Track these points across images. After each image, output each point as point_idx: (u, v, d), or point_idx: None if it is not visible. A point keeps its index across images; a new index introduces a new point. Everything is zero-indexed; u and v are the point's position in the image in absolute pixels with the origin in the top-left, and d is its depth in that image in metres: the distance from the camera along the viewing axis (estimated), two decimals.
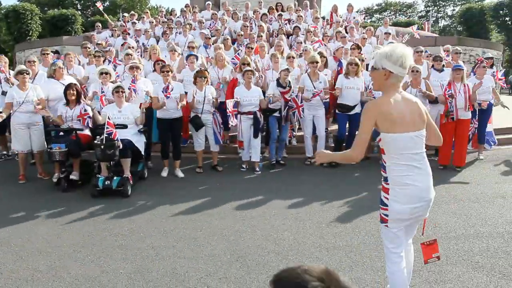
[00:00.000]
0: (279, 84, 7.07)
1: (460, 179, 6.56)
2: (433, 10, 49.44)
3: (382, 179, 2.76)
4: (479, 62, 7.90)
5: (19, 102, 6.29)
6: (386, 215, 2.72)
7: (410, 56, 2.60)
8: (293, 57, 8.00)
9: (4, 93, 6.91)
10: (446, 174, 6.75)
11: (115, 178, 5.78)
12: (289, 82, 7.08)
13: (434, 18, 46.33)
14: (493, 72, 8.63)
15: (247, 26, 11.21)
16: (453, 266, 3.70)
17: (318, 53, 7.83)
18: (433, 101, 7.06)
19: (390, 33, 11.52)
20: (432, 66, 7.80)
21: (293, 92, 7.11)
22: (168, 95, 6.45)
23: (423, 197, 2.66)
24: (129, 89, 6.55)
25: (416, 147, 2.63)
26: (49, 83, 6.82)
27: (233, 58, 8.64)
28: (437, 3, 52.18)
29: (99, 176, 5.84)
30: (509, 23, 40.41)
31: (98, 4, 16.62)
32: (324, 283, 1.07)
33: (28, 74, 6.53)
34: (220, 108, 7.24)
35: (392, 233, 2.77)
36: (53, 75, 6.79)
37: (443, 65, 7.82)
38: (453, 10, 51.34)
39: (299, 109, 7.08)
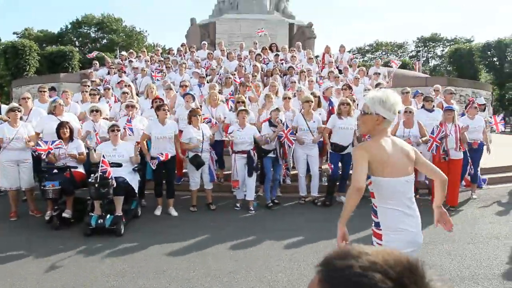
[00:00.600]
0: (271, 124, 7.18)
1: (454, 219, 6.48)
2: (423, 50, 50.95)
3: (373, 224, 2.74)
4: (470, 102, 8.12)
5: (9, 139, 6.31)
6: None
7: (400, 102, 2.70)
8: (289, 98, 8.17)
9: None
10: None
11: (108, 216, 5.73)
12: (281, 120, 7.20)
13: (424, 58, 47.64)
14: (489, 116, 8.81)
15: (242, 66, 11.49)
16: None
17: (311, 93, 8.01)
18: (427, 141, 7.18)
19: (379, 73, 11.84)
20: (423, 106, 7.98)
21: (292, 132, 7.24)
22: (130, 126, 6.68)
23: (416, 242, 2.66)
24: (124, 128, 6.61)
25: (407, 191, 2.65)
26: (47, 119, 6.87)
27: (227, 96, 8.83)
28: (427, 44, 53.87)
29: (92, 214, 5.79)
30: (497, 63, 41.71)
31: (91, 55, 17.06)
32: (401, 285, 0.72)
33: (20, 111, 6.58)
34: (215, 145, 7.39)
35: None
36: (53, 111, 6.86)
37: (433, 106, 8.01)
38: (443, 50, 53.01)
39: (287, 136, 7.12)
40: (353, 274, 0.73)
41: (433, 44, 53.99)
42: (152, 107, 7.75)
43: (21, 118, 7.04)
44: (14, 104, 6.84)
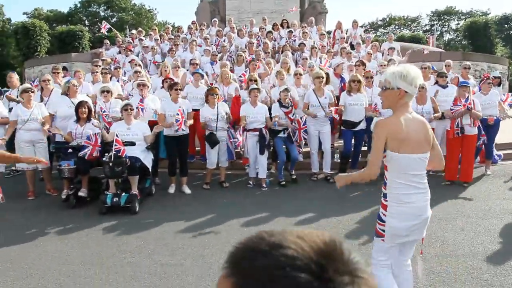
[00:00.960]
0: (281, 105, 7.16)
1: (468, 195, 6.54)
2: (438, 24, 49.69)
3: (382, 195, 2.85)
4: (485, 78, 7.95)
5: (24, 120, 6.39)
6: (383, 230, 2.80)
7: (421, 76, 2.72)
8: (301, 74, 8.09)
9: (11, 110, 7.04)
10: (453, 190, 6.73)
11: (123, 195, 5.83)
12: (290, 102, 7.17)
13: (438, 32, 46.51)
14: (502, 92, 8.64)
15: (253, 43, 11.36)
16: (462, 285, 3.67)
17: (320, 68, 7.93)
18: (440, 117, 7.09)
19: (394, 48, 11.61)
20: (436, 82, 7.85)
21: (294, 114, 7.21)
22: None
23: (419, 215, 2.74)
24: (137, 108, 6.65)
25: (419, 168, 2.72)
26: (61, 100, 6.93)
27: (240, 76, 8.75)
28: (442, 17, 52.49)
29: (107, 193, 5.89)
30: None
31: (103, 25, 16.80)
32: (322, 271, 0.63)
33: (33, 92, 6.64)
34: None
35: (386, 248, 2.85)
36: (67, 92, 6.90)
37: (447, 81, 7.88)
38: (458, 24, 51.65)
39: (300, 132, 7.18)
40: (268, 275, 0.64)
41: (448, 17, 52.54)
42: (162, 86, 7.75)
43: (42, 100, 7.14)
44: (26, 85, 6.90)
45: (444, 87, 7.66)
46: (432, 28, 45.02)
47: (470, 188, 6.86)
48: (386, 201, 2.78)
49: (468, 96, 6.84)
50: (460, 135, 6.76)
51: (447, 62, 9.59)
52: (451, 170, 6.99)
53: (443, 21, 52.68)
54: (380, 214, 2.83)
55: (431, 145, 2.77)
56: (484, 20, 37.25)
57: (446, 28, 53.68)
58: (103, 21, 17.52)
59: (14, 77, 8.00)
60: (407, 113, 2.71)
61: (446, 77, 7.83)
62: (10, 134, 6.47)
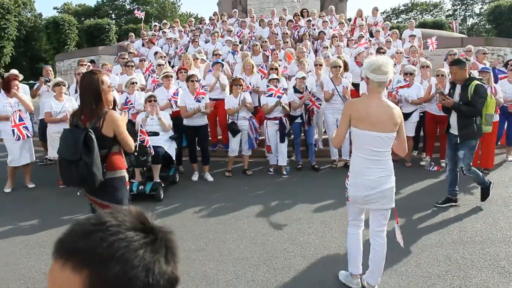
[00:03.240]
0: (296, 91, 7.24)
1: None
2: (461, 9, 48.06)
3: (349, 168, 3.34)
4: (509, 64, 7.78)
5: (56, 112, 6.72)
6: (347, 196, 3.34)
7: (384, 64, 3.05)
8: (321, 65, 8.12)
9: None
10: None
11: (148, 183, 6.08)
12: (306, 87, 7.27)
13: (461, 17, 45.00)
14: None
15: (275, 33, 11.42)
16: (478, 271, 3.70)
17: (337, 57, 7.94)
18: None
19: (415, 36, 11.39)
20: None
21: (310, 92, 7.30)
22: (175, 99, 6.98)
23: (373, 187, 3.15)
24: (169, 100, 6.91)
25: (378, 145, 3.10)
26: None
27: (261, 67, 8.89)
28: (465, 2, 50.76)
29: (133, 181, 6.15)
30: None
31: (138, 13, 17.03)
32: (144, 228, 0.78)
33: (64, 85, 6.96)
34: (255, 113, 7.55)
35: (350, 208, 3.44)
36: None
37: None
38: (481, 8, 49.83)
39: (314, 103, 7.26)
40: (108, 243, 0.71)
41: (471, 1, 50.77)
42: (177, 78, 7.93)
43: (76, 91, 7.49)
44: (58, 79, 7.24)
45: None
46: (455, 13, 43.58)
47: (490, 174, 6.79)
48: (349, 172, 3.29)
49: (488, 83, 6.70)
50: None
51: (468, 47, 9.39)
52: None
53: (466, 5, 50.96)
54: (345, 183, 3.35)
55: (397, 128, 3.12)
56: (509, 3, 35.74)
57: (469, 13, 51.91)
58: (137, 9, 17.82)
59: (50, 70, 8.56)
60: (377, 97, 3.14)
61: (469, 62, 7.68)
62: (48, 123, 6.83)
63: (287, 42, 10.74)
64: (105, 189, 3.21)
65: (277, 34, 11.79)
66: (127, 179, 3.41)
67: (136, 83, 7.43)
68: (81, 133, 3.01)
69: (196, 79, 7.02)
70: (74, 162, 3.02)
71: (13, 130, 6.41)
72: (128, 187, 5.88)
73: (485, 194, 5.35)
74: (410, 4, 52.98)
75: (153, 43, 12.46)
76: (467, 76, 5.12)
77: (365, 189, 3.16)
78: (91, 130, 3.04)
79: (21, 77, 7.62)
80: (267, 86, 7.22)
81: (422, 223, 4.88)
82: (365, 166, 3.14)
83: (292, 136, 7.56)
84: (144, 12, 16.98)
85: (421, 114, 7.44)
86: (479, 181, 5.32)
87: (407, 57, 9.51)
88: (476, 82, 5.02)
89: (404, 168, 7.29)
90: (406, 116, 7.04)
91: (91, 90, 3.13)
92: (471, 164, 5.16)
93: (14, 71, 7.75)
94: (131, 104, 7.18)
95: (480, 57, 8.43)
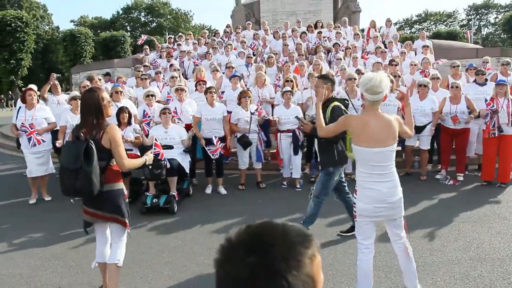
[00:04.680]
0: None
1: (505, 196, 6.34)
2: (475, 19, 47.73)
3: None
4: None
5: (72, 125, 6.83)
6: (355, 211, 3.32)
7: (377, 85, 3.08)
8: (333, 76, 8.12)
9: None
10: (490, 190, 6.57)
11: (162, 196, 6.11)
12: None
13: (476, 27, 44.66)
14: None
15: (287, 45, 11.48)
16: None
17: (356, 70, 7.92)
18: (476, 116, 6.93)
19: (428, 46, 11.33)
20: (475, 80, 7.65)
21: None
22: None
23: (383, 199, 3.17)
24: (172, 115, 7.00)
25: (380, 160, 3.15)
26: None
27: (275, 81, 8.95)
28: (479, 11, 50.41)
29: (147, 194, 6.19)
30: None
31: (142, 38, 17.49)
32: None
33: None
34: (264, 125, 7.57)
35: (360, 226, 3.35)
36: (111, 98, 7.32)
37: (486, 79, 7.66)
38: (496, 17, 49.42)
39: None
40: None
41: (486, 11, 50.46)
42: (196, 89, 7.99)
43: None
44: (75, 92, 7.40)
45: (482, 85, 7.47)
46: (469, 22, 43.28)
47: (508, 189, 6.66)
48: (356, 187, 3.30)
49: (505, 95, 6.63)
50: (496, 135, 6.58)
51: (485, 58, 9.29)
52: (488, 170, 6.82)
53: (480, 15, 50.63)
54: (353, 198, 3.38)
55: (396, 140, 3.21)
56: None
57: (484, 23, 51.52)
58: (142, 35, 18.32)
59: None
60: (374, 113, 3.20)
61: (483, 74, 7.61)
62: (62, 138, 6.92)
63: (302, 54, 10.78)
64: (104, 200, 3.34)
65: (288, 45, 11.85)
66: (125, 191, 3.49)
67: (153, 95, 7.51)
68: (82, 144, 3.15)
69: (214, 90, 7.08)
70: (75, 171, 3.13)
71: (29, 138, 6.55)
72: (143, 200, 6.02)
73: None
74: (423, 15, 52.83)
75: (172, 55, 12.63)
76: (330, 95, 4.65)
77: (374, 201, 3.18)
78: (91, 141, 3.18)
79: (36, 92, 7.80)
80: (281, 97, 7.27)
81: (438, 238, 4.79)
82: (371, 181, 3.18)
83: (306, 149, 7.54)
84: (144, 37, 17.47)
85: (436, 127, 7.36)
86: (310, 214, 4.87)
87: (420, 69, 9.48)
88: (335, 103, 4.55)
89: (419, 181, 7.20)
90: (420, 129, 6.98)
91: (93, 107, 3.29)
92: (325, 193, 4.80)
93: (31, 86, 7.94)
94: (149, 116, 7.26)
95: (503, 69, 8.22)
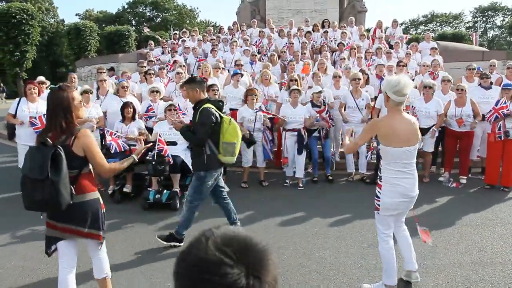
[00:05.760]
0: (313, 105, 7.24)
1: (508, 200, 6.34)
2: (481, 21, 47.55)
3: (378, 178, 3.57)
4: None
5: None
6: (379, 205, 3.53)
7: (405, 86, 3.26)
8: (339, 77, 8.11)
9: None
10: (493, 194, 6.56)
11: (165, 192, 6.12)
12: (323, 101, 7.28)
13: (482, 29, 44.50)
14: None
15: (293, 44, 11.45)
16: None
17: (359, 70, 7.91)
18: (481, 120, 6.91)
19: (436, 48, 11.26)
20: (480, 84, 7.63)
21: (329, 112, 7.37)
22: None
23: (407, 194, 3.45)
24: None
25: (406, 158, 3.40)
26: (112, 99, 7.47)
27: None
28: (485, 14, 50.21)
29: (150, 189, 6.20)
30: None
31: (146, 29, 17.51)
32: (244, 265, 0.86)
33: (91, 93, 7.12)
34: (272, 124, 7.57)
35: (382, 218, 3.59)
36: (117, 93, 7.40)
37: (491, 82, 7.63)
38: (503, 20, 49.24)
39: (328, 122, 7.35)
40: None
41: (492, 13, 50.24)
42: None
43: (98, 98, 7.70)
44: (86, 86, 7.41)
45: (487, 88, 7.44)
46: (475, 25, 43.16)
47: (511, 193, 6.65)
48: (381, 182, 3.50)
49: (511, 100, 6.60)
50: (502, 138, 6.56)
51: (492, 62, 9.23)
52: (492, 173, 6.81)
53: (487, 17, 50.49)
54: (376, 192, 3.55)
55: (418, 138, 3.49)
56: None
57: (490, 25, 51.35)
58: (145, 23, 18.37)
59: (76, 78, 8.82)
60: (399, 114, 3.38)
61: (488, 78, 7.57)
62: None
63: (305, 53, 10.75)
64: (78, 212, 2.93)
65: (293, 44, 11.82)
66: (101, 201, 3.08)
67: (158, 91, 7.51)
68: (49, 151, 2.71)
69: (217, 88, 7.07)
70: (40, 181, 2.68)
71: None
72: (145, 195, 6.02)
73: (169, 239, 4.72)
74: (429, 16, 52.69)
75: (176, 51, 12.61)
76: (201, 97, 4.53)
77: (399, 196, 3.42)
78: (60, 147, 2.75)
79: (48, 83, 7.88)
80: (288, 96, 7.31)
81: (440, 241, 4.79)
82: (398, 177, 3.41)
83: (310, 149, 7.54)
84: (147, 27, 17.56)
85: (440, 129, 7.34)
86: (183, 219, 4.71)
87: (429, 71, 9.44)
88: (206, 105, 4.42)
89: (422, 184, 7.17)
90: (425, 131, 6.96)
91: (61, 107, 2.87)
92: (199, 198, 4.66)
93: (41, 78, 8.03)
94: (153, 112, 7.27)
95: (509, 73, 8.12)
